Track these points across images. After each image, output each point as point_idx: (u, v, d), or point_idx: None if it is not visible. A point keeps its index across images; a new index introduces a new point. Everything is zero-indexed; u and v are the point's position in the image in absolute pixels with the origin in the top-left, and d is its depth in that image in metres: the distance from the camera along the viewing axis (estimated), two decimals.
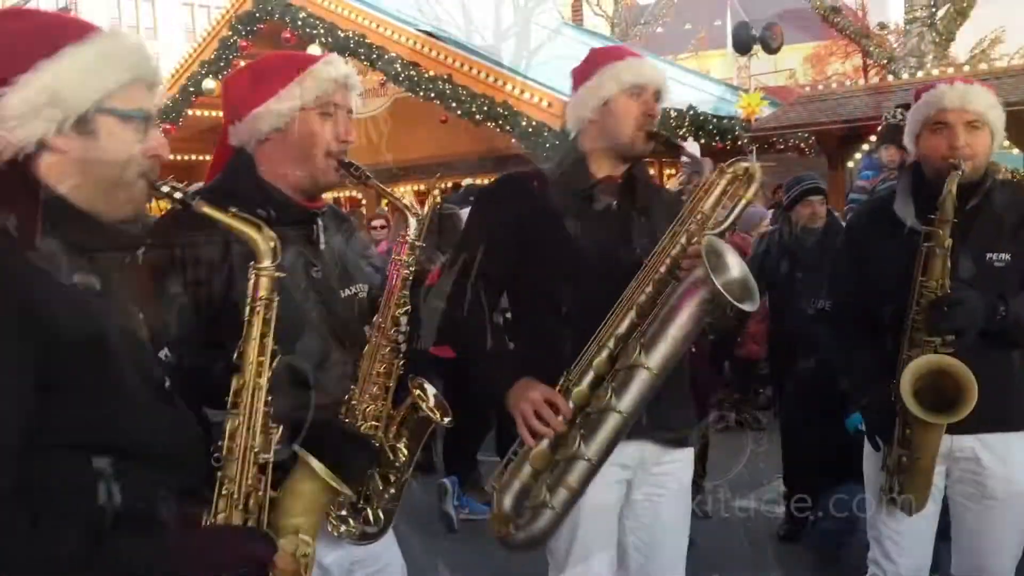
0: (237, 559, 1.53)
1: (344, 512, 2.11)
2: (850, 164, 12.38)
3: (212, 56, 15.20)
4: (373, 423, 2.13)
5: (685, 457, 2.60)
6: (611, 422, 2.25)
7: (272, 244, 1.66)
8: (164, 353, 1.73)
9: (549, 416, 2.27)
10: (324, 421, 1.99)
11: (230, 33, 14.92)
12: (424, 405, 2.22)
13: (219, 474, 1.63)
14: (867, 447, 2.92)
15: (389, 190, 2.30)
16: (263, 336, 1.67)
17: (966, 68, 13.17)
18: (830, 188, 7.44)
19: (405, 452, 2.21)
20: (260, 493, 1.65)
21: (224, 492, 1.62)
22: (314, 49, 13.55)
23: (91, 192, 1.51)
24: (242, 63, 15.22)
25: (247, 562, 1.53)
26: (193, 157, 18.53)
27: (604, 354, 2.31)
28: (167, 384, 1.60)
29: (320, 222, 2.18)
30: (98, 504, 1.43)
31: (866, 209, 3.22)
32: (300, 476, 1.74)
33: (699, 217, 2.33)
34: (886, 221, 2.81)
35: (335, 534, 2.09)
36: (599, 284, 2.37)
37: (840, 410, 4.26)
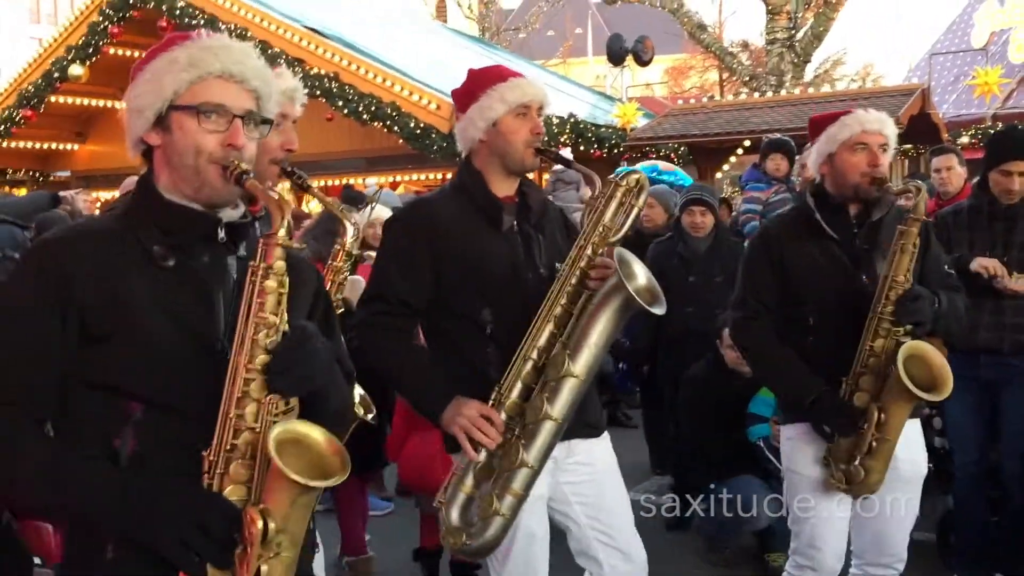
0: (182, 523, 1.57)
1: None
2: (718, 175, 13.09)
3: (79, 42, 14.55)
4: None
5: (606, 442, 2.81)
6: (547, 429, 2.43)
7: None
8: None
9: (488, 429, 2.44)
10: None
11: (100, 19, 14.32)
12: None
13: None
14: (787, 449, 3.13)
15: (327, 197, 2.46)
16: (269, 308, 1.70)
17: (824, 87, 14.05)
18: None
19: None
20: (242, 462, 1.66)
21: (204, 454, 1.67)
22: None
23: (175, 180, 1.77)
24: (112, 51, 14.72)
25: (191, 528, 1.57)
26: (54, 146, 17.58)
27: (529, 365, 2.47)
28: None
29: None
30: (113, 437, 1.65)
31: (779, 222, 3.37)
32: (273, 468, 1.68)
33: (600, 229, 2.53)
34: (806, 232, 3.07)
35: None
36: (515, 301, 2.55)
37: (727, 407, 4.60)
